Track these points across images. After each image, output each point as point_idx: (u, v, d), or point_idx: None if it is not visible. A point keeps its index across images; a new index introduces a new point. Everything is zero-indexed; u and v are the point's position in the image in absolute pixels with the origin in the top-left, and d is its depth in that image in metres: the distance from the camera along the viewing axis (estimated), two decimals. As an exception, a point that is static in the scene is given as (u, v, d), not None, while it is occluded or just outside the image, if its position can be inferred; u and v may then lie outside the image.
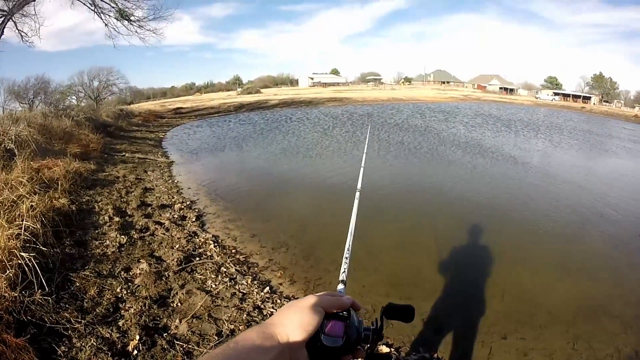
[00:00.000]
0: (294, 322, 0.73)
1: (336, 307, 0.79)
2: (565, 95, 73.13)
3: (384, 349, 3.55)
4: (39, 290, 3.48)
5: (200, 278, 4.51)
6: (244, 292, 4.33)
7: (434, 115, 28.73)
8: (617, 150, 17.70)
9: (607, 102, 70.49)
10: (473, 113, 32.10)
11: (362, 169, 2.28)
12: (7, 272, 3.49)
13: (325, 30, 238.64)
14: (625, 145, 19.89)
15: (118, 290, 4.00)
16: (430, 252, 5.65)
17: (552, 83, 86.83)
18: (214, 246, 5.54)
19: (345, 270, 1.11)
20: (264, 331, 0.71)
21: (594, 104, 65.89)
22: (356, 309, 0.84)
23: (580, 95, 72.01)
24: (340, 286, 1.03)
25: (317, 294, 0.81)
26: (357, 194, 1.76)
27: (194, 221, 6.56)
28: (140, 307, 3.70)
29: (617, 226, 7.09)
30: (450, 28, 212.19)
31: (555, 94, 74.05)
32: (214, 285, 4.36)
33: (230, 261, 5.09)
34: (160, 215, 6.62)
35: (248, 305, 4.02)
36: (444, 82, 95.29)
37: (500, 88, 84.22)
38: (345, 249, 1.21)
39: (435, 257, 5.51)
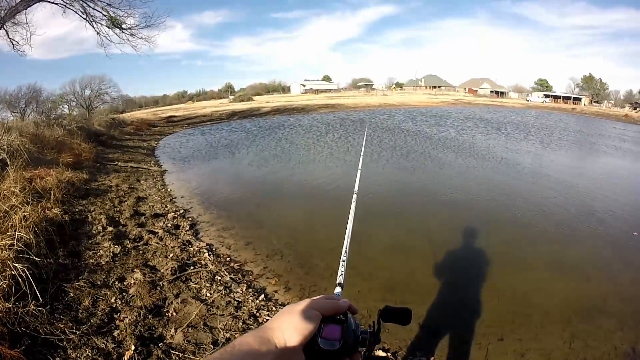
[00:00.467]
0: (290, 326, 0.73)
1: (333, 311, 0.79)
2: (556, 97, 73.88)
3: (381, 354, 3.55)
4: (33, 301, 3.44)
5: (195, 287, 4.49)
6: (239, 300, 4.31)
7: (426, 120, 28.92)
8: (607, 150, 17.89)
9: (597, 102, 71.34)
10: (464, 117, 32.29)
11: (359, 172, 2.27)
12: (1, 283, 3.46)
13: (317, 37, 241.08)
14: (615, 144, 20.18)
15: (112, 300, 3.97)
16: (425, 256, 5.67)
17: (543, 85, 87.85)
18: (208, 255, 5.52)
19: (343, 273, 1.09)
20: (261, 335, 0.71)
21: (584, 105, 66.68)
22: (353, 312, 0.84)
23: (571, 97, 72.77)
24: (338, 289, 1.01)
25: (314, 298, 0.81)
26: (355, 196, 1.74)
27: (187, 230, 6.53)
28: (135, 317, 3.68)
29: (609, 224, 7.16)
30: (440, 33, 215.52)
31: (546, 96, 74.76)
32: (208, 294, 4.35)
33: (225, 269, 5.07)
34: (154, 225, 6.59)
35: (243, 313, 4.01)
36: (435, 87, 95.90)
37: (491, 91, 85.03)
38: (343, 252, 1.19)
39: (430, 260, 5.52)
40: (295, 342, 0.71)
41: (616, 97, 77.04)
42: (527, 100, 70.56)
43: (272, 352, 0.69)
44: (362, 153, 3.05)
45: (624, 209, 8.14)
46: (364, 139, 4.72)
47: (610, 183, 11.01)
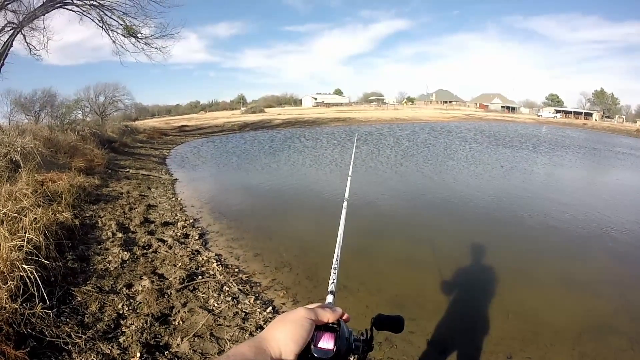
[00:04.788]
0: (285, 335, 0.74)
1: (326, 319, 0.80)
2: (567, 113, 73.56)
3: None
4: (40, 303, 3.44)
5: (202, 297, 4.46)
6: (247, 311, 4.27)
7: (436, 134, 28.93)
8: (619, 165, 17.70)
9: (608, 117, 70.74)
10: (475, 132, 32.27)
11: (349, 179, 2.25)
12: (9, 283, 3.46)
13: (328, 51, 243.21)
14: (627, 158, 20.11)
15: (119, 306, 3.96)
16: (434, 271, 5.58)
17: (554, 100, 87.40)
18: (217, 265, 5.48)
19: (334, 281, 1.09)
20: (256, 346, 0.71)
21: (595, 120, 66.30)
22: (346, 320, 0.85)
23: (582, 112, 72.42)
24: (330, 297, 1.01)
25: (307, 306, 0.82)
26: (345, 203, 1.72)
27: (196, 239, 6.52)
28: (141, 324, 3.66)
29: (620, 240, 7.04)
30: (451, 48, 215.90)
31: (557, 111, 74.37)
32: (216, 304, 4.32)
33: (233, 280, 5.03)
34: (163, 233, 6.60)
35: (251, 325, 3.97)
36: (446, 102, 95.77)
37: (502, 107, 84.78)
38: (334, 260, 1.19)
39: (438, 276, 5.44)
40: (290, 352, 0.73)
41: (628, 112, 76.54)
42: (538, 116, 70.27)
43: None
44: (352, 161, 3.05)
45: (635, 224, 7.99)
46: (354, 148, 4.72)
47: (621, 198, 10.88)
